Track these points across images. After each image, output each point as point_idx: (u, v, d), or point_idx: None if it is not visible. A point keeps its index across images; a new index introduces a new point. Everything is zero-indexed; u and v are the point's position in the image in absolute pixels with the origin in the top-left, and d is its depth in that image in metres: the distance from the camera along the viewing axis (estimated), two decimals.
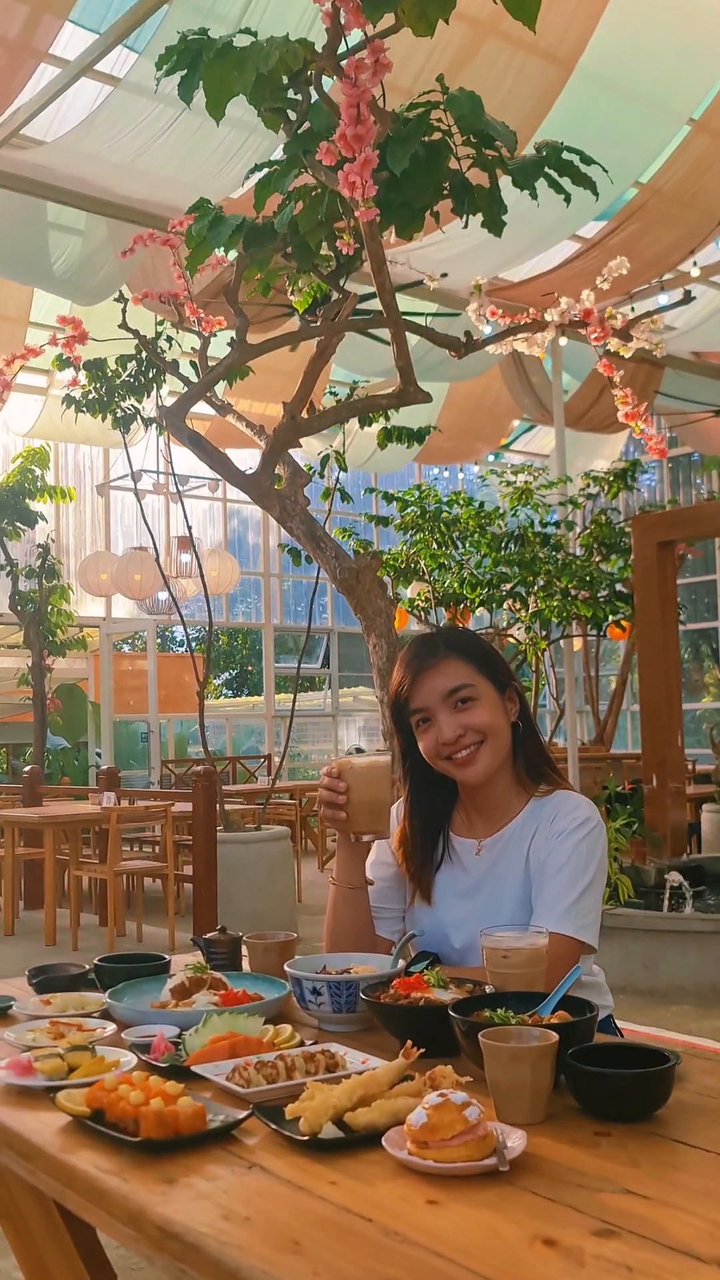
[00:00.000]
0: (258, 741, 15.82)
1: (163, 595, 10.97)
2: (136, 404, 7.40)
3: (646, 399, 10.48)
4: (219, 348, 5.21)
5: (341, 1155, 1.22)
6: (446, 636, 2.02)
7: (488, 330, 4.83)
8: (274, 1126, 1.27)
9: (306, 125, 3.43)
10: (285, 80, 3.30)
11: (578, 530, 9.34)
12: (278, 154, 4.40)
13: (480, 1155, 1.16)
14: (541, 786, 1.99)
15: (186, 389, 4.80)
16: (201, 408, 5.01)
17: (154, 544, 8.29)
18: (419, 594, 9.33)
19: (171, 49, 3.21)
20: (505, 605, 8.70)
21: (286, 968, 1.78)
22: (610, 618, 8.34)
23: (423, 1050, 1.38)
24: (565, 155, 3.39)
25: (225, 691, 23.00)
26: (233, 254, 4.10)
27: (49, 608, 10.54)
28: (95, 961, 1.99)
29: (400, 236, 3.65)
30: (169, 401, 6.63)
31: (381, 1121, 1.25)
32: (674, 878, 5.80)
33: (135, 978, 1.90)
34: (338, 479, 6.64)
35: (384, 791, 1.95)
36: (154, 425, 7.62)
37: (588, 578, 8.12)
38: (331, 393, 6.37)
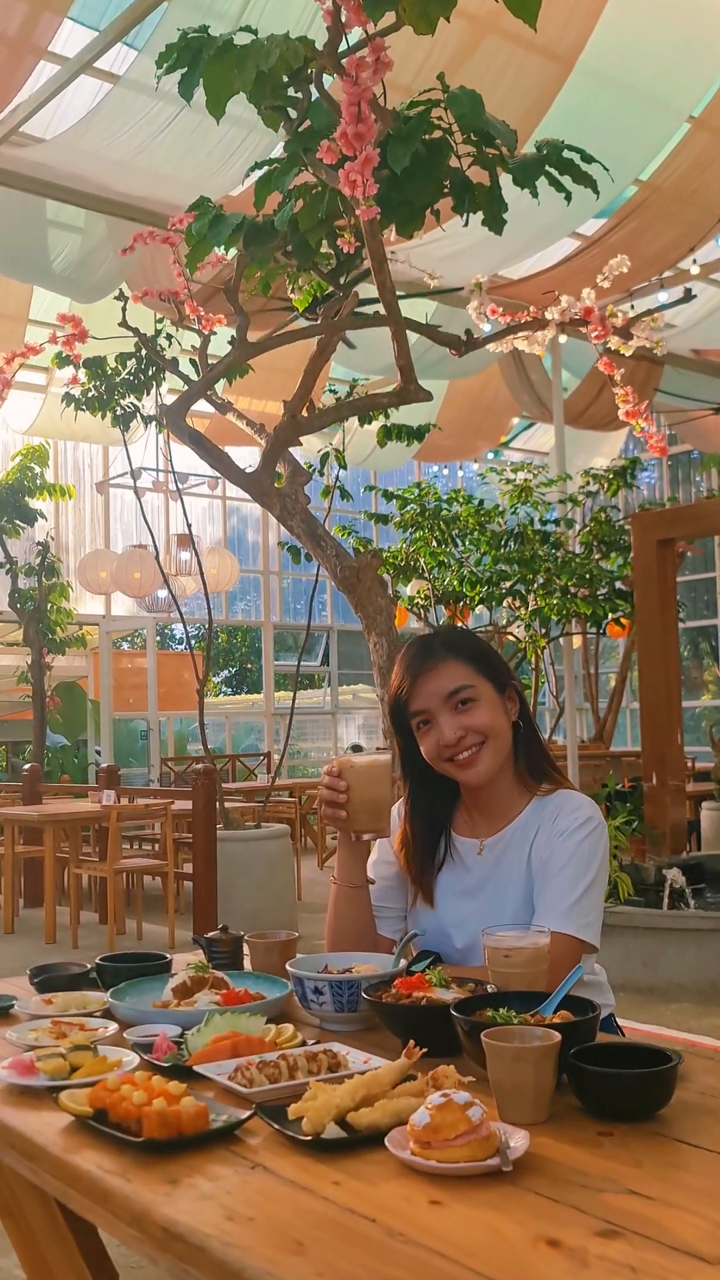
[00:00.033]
0: (257, 739, 15.82)
1: (162, 593, 10.98)
2: (136, 402, 7.39)
3: (646, 397, 10.48)
4: (219, 346, 5.21)
5: (344, 1155, 1.22)
6: (445, 637, 2.01)
7: (487, 328, 4.82)
8: (277, 1126, 1.27)
9: (307, 123, 3.43)
10: (285, 78, 3.30)
11: (577, 528, 9.34)
12: (277, 152, 4.41)
13: (483, 1155, 1.16)
14: (543, 786, 1.99)
15: (186, 387, 4.80)
16: (201, 405, 5.01)
17: (153, 542, 8.29)
18: (418, 592, 9.33)
19: (172, 47, 3.21)
20: (505, 603, 8.69)
21: (288, 967, 1.78)
22: (610, 615, 8.34)
23: (425, 1050, 1.38)
24: (566, 154, 3.39)
25: (225, 689, 23.00)
26: (232, 252, 4.10)
27: (48, 605, 10.53)
28: (97, 961, 1.99)
29: (401, 234, 3.65)
30: (168, 399, 6.63)
31: (384, 1121, 1.25)
32: (674, 875, 5.80)
33: (137, 977, 1.90)
34: (337, 476, 6.64)
35: (384, 790, 1.95)
36: (153, 423, 7.62)
37: (587, 575, 8.12)
38: (331, 390, 6.36)
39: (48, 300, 9.41)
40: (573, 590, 8.09)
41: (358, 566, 4.60)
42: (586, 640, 11.48)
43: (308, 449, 6.14)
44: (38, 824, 7.63)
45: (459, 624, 9.09)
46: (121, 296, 5.77)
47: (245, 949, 2.08)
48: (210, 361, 4.79)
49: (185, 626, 8.43)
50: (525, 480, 9.11)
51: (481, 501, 9.09)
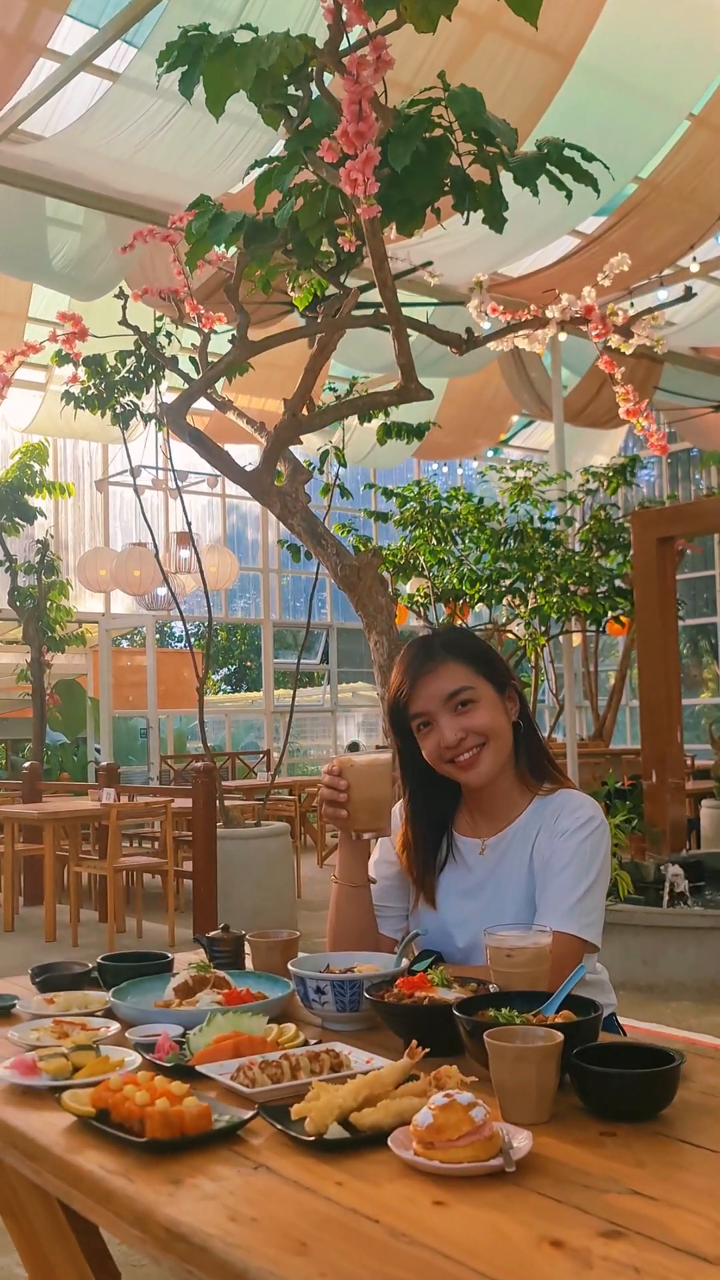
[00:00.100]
0: (257, 737, 15.82)
1: (162, 591, 10.97)
2: (136, 400, 7.39)
3: (646, 395, 10.48)
4: (219, 344, 5.20)
5: (347, 1156, 1.22)
6: (444, 638, 2.01)
7: (488, 326, 4.82)
8: (279, 1127, 1.27)
9: (307, 121, 3.42)
10: (286, 76, 3.29)
11: (577, 526, 9.34)
12: (277, 149, 4.40)
13: (486, 1156, 1.16)
14: (545, 785, 1.99)
15: (185, 385, 4.80)
16: (201, 403, 5.00)
17: (153, 540, 8.29)
18: (418, 590, 9.33)
19: (172, 45, 3.20)
20: (504, 601, 8.69)
21: (290, 966, 1.78)
22: (609, 613, 8.34)
23: (427, 1050, 1.38)
24: (567, 152, 3.39)
25: (224, 687, 23.00)
26: (233, 250, 4.09)
27: (48, 603, 10.53)
28: (98, 960, 1.98)
29: (401, 233, 3.64)
30: (168, 397, 6.63)
31: (387, 1122, 1.25)
32: (675, 872, 5.80)
33: (138, 976, 1.90)
34: (337, 474, 6.64)
35: (385, 789, 1.95)
36: (153, 421, 7.62)
37: (587, 573, 8.13)
38: (331, 388, 6.35)
39: (47, 298, 9.41)
40: (572, 588, 8.09)
41: (358, 565, 4.60)
42: (586, 638, 11.48)
43: (307, 447, 6.14)
44: (37, 822, 7.63)
45: (459, 622, 9.10)
46: (121, 294, 5.76)
47: (247, 948, 2.09)
48: (210, 360, 4.78)
49: (185, 624, 8.43)
50: (525, 478, 9.11)
51: (481, 499, 9.09)
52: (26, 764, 9.19)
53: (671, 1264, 0.96)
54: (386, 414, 6.04)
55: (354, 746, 13.67)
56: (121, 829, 7.59)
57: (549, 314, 4.61)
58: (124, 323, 5.47)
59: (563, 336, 4.88)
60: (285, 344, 4.54)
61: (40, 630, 10.49)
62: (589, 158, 3.38)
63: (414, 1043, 1.38)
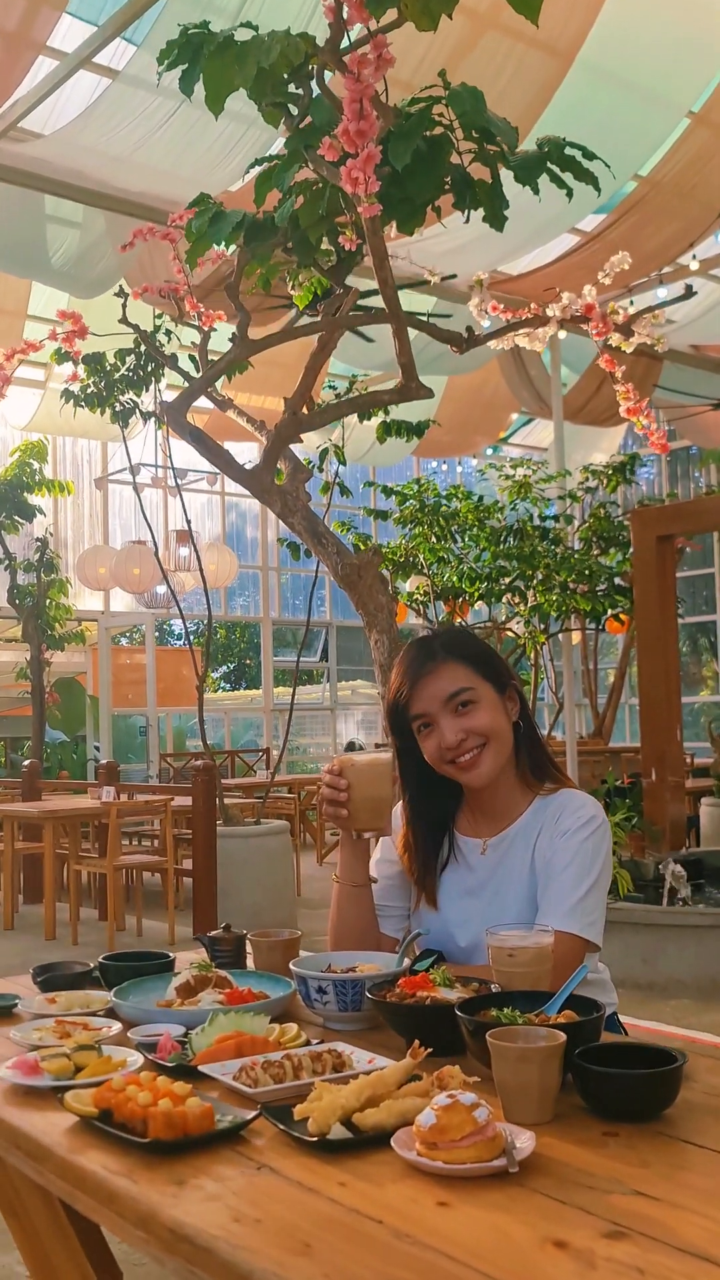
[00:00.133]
0: (256, 735, 15.82)
1: (161, 589, 10.98)
2: (135, 398, 7.38)
3: (646, 393, 10.47)
4: (219, 342, 5.20)
5: (350, 1156, 1.22)
6: (444, 639, 2.00)
7: (488, 324, 4.82)
8: (282, 1127, 1.27)
9: (308, 120, 3.42)
10: (286, 75, 3.29)
11: (576, 524, 9.34)
12: (277, 147, 4.39)
13: (490, 1156, 1.16)
14: (546, 785, 1.99)
15: (185, 383, 4.79)
16: (201, 401, 5.00)
17: (152, 538, 8.29)
18: (418, 588, 9.33)
19: (173, 43, 3.20)
20: (504, 599, 8.70)
21: (292, 966, 1.78)
22: (609, 611, 8.35)
23: (430, 1050, 1.38)
24: (568, 150, 3.38)
25: (224, 685, 22.99)
26: (233, 249, 4.09)
27: (47, 601, 10.53)
28: (100, 960, 1.98)
29: (402, 231, 3.64)
30: (167, 395, 6.62)
31: (389, 1122, 1.25)
32: (675, 871, 5.81)
33: (140, 976, 1.90)
34: (337, 472, 6.64)
35: (385, 788, 1.95)
36: (152, 419, 7.61)
37: (586, 571, 8.13)
38: (330, 386, 6.36)
39: (46, 296, 9.40)
40: (572, 586, 8.10)
41: (359, 564, 4.60)
42: (586, 636, 11.48)
43: (306, 445, 6.14)
44: (37, 820, 7.63)
45: (458, 620, 9.11)
46: (121, 292, 5.76)
47: (248, 948, 2.09)
48: (211, 358, 4.78)
49: (184, 622, 8.43)
50: (525, 476, 9.11)
51: (481, 497, 9.10)
52: (26, 762, 9.19)
53: (675, 1265, 0.96)
54: (386, 412, 6.03)
55: (352, 746, 13.67)
56: (121, 827, 7.59)
57: (549, 312, 4.61)
58: (124, 321, 5.47)
59: (562, 335, 4.88)
60: (285, 342, 4.54)
61: (40, 628, 10.49)
62: (590, 156, 3.38)
63: (416, 1043, 1.37)
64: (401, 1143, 1.20)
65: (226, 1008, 1.67)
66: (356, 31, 3.12)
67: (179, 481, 9.44)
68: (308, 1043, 1.56)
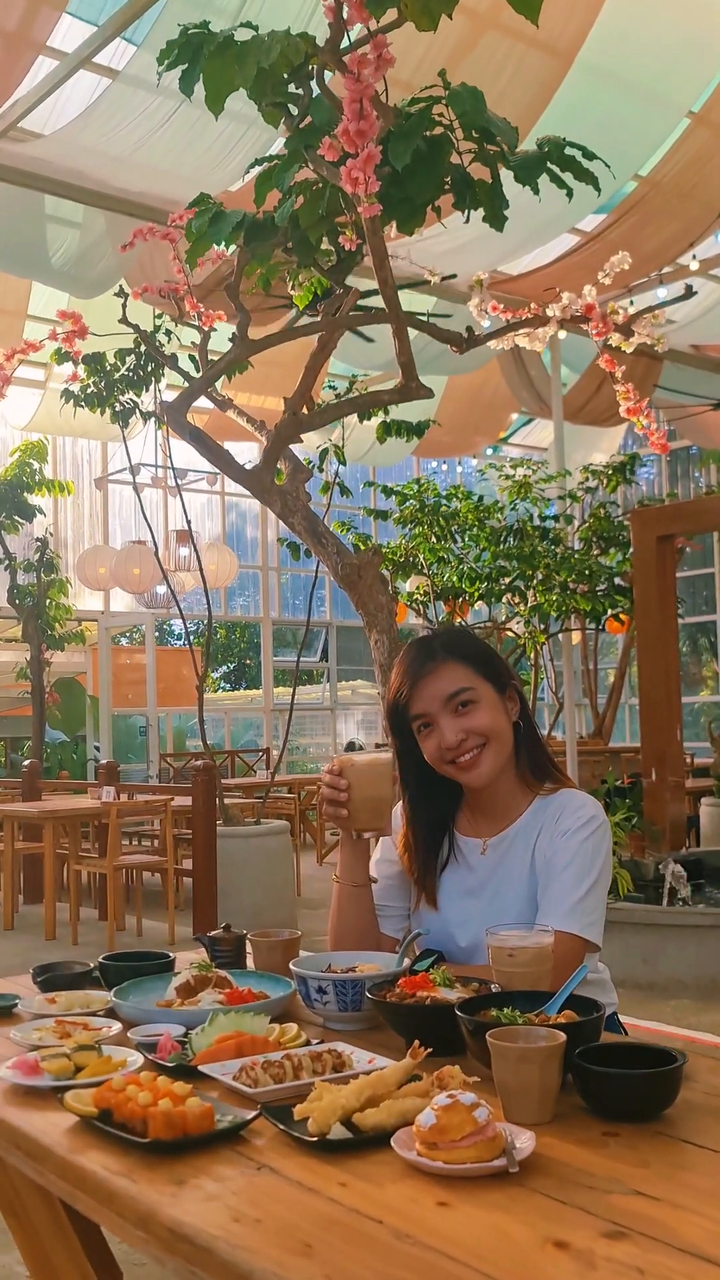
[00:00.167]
0: (256, 735, 15.82)
1: (161, 589, 10.98)
2: (135, 398, 7.38)
3: (645, 393, 10.47)
4: (219, 342, 5.20)
5: (350, 1156, 1.22)
6: (444, 639, 2.00)
7: (488, 324, 4.81)
8: (282, 1127, 1.27)
9: (308, 120, 3.42)
10: (286, 75, 3.29)
11: (576, 524, 9.34)
12: (277, 147, 4.39)
13: (490, 1156, 1.16)
14: (546, 785, 1.99)
15: (185, 383, 4.79)
16: (201, 401, 5.00)
17: (152, 538, 8.29)
18: (418, 588, 9.34)
19: (173, 43, 3.20)
20: (504, 599, 8.70)
21: (292, 966, 1.78)
22: (609, 611, 8.35)
23: (430, 1050, 1.38)
24: (568, 150, 3.38)
25: (224, 685, 23.00)
26: (233, 249, 4.09)
27: (47, 601, 10.53)
28: (100, 960, 1.98)
29: (402, 231, 3.64)
30: (167, 395, 6.62)
31: (390, 1122, 1.25)
32: (675, 870, 5.81)
33: (140, 976, 1.90)
34: (337, 472, 6.64)
35: (385, 788, 1.95)
36: (152, 419, 7.61)
37: (586, 571, 8.13)
38: (330, 386, 6.36)
39: (46, 296, 9.40)
40: (572, 586, 8.10)
41: (359, 564, 4.60)
42: (586, 636, 11.49)
43: (306, 445, 6.14)
44: (37, 820, 7.63)
45: (458, 620, 9.11)
46: (121, 292, 5.76)
47: (248, 948, 2.09)
48: (211, 358, 4.78)
49: (184, 622, 8.43)
50: (524, 476, 9.11)
51: (481, 497, 9.10)
52: (26, 762, 9.19)
53: (675, 1265, 0.96)
54: (386, 412, 6.03)
55: (352, 746, 13.67)
56: (121, 827, 7.59)
57: (549, 312, 4.61)
58: (124, 321, 5.47)
59: (562, 334, 4.88)
60: (285, 342, 4.54)
61: (40, 628, 10.49)
62: (590, 156, 3.38)
63: (416, 1043, 1.37)
64: (401, 1143, 1.20)
65: (226, 1008, 1.67)
66: (356, 31, 3.12)
67: (179, 481, 9.44)
68: (308, 1043, 1.56)
